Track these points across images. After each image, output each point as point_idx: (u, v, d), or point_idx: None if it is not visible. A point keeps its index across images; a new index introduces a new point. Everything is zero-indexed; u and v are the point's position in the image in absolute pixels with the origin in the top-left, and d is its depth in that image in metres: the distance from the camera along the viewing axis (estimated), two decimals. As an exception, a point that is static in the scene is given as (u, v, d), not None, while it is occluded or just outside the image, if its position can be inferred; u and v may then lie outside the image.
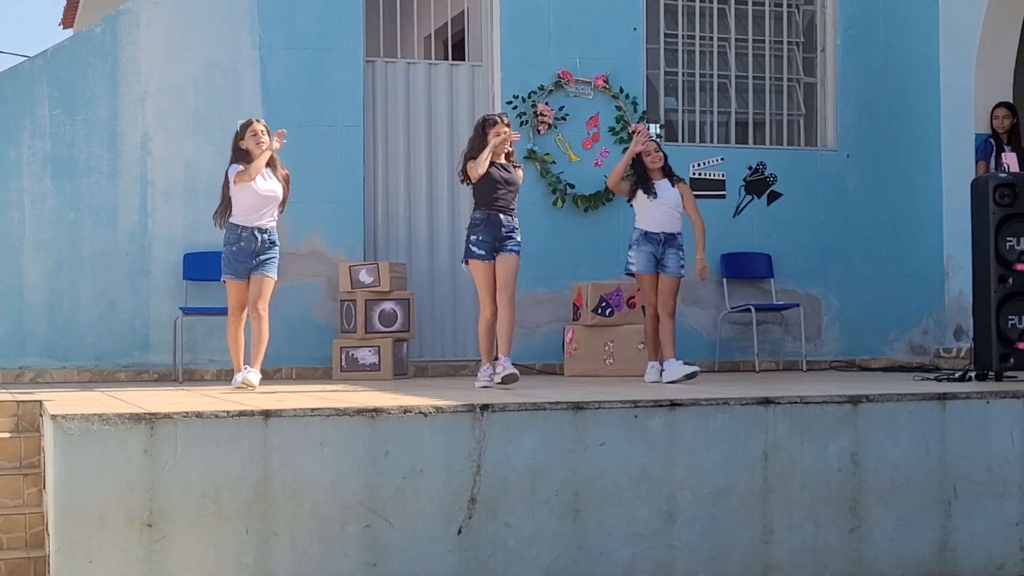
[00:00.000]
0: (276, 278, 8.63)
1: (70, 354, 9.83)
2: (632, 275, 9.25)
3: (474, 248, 8.58)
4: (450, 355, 10.58)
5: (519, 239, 8.69)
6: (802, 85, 11.74)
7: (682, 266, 9.20)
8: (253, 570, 6.01)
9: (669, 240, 9.18)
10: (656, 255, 9.16)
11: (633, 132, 9.30)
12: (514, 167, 8.77)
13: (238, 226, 8.54)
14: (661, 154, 9.29)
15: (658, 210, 9.20)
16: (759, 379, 9.58)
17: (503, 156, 8.71)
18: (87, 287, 9.88)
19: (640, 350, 9.91)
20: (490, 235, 8.59)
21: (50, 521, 6.05)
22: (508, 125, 8.74)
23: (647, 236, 9.20)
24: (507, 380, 8.20)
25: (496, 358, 8.45)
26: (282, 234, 10.17)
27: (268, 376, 10.04)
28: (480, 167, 8.50)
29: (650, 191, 9.18)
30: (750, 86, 11.59)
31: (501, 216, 8.61)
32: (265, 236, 8.57)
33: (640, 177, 9.28)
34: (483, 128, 8.71)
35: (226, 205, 8.62)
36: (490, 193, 8.59)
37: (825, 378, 9.59)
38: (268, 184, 8.56)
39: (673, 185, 9.26)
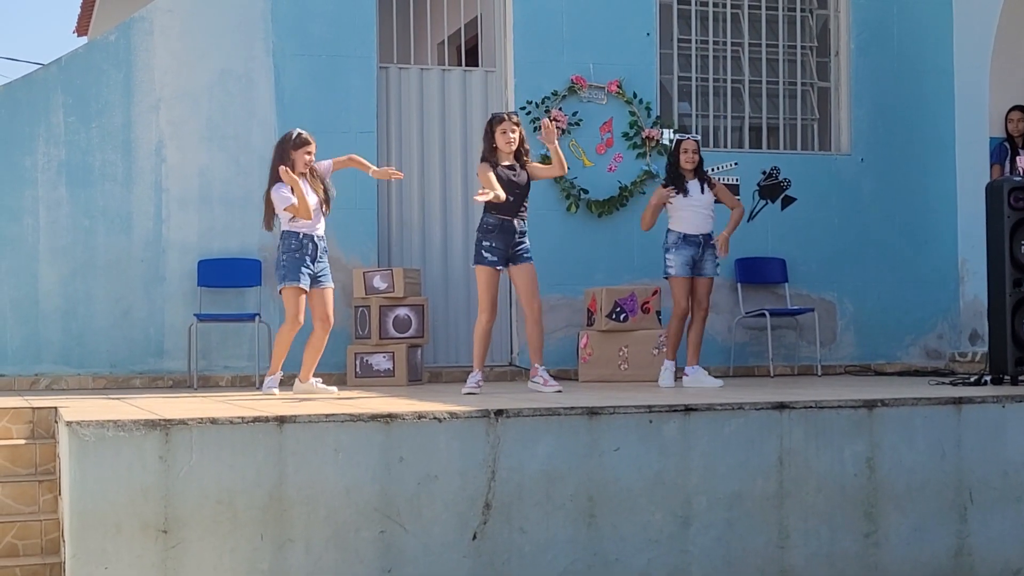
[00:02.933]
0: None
1: (85, 361, 9.86)
2: (667, 277, 9.29)
3: (486, 254, 8.55)
4: (464, 361, 10.56)
5: (528, 244, 8.69)
6: (816, 89, 11.73)
7: (717, 265, 9.30)
8: (268, 576, 6.02)
9: (707, 241, 9.25)
10: (695, 258, 9.21)
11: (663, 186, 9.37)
12: (522, 167, 8.68)
13: (298, 233, 8.57)
14: (698, 156, 9.32)
15: (693, 211, 9.23)
16: (774, 384, 9.56)
17: (512, 156, 8.66)
18: (102, 294, 9.91)
19: (655, 355, 9.90)
20: (503, 242, 8.57)
21: (66, 527, 6.06)
22: (518, 124, 8.68)
23: (686, 239, 9.23)
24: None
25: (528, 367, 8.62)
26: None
27: (282, 382, 10.05)
28: (489, 185, 8.52)
29: (682, 188, 9.20)
30: (764, 91, 11.58)
31: (515, 222, 8.60)
32: (321, 244, 8.69)
33: (675, 177, 9.30)
34: (490, 127, 8.68)
35: (271, 212, 8.67)
36: (504, 199, 8.57)
37: (840, 383, 9.57)
38: (313, 197, 8.66)
39: (703, 190, 9.27)
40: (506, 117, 8.66)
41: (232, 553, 5.97)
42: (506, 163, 8.62)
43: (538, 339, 8.65)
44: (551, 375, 8.70)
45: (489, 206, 8.57)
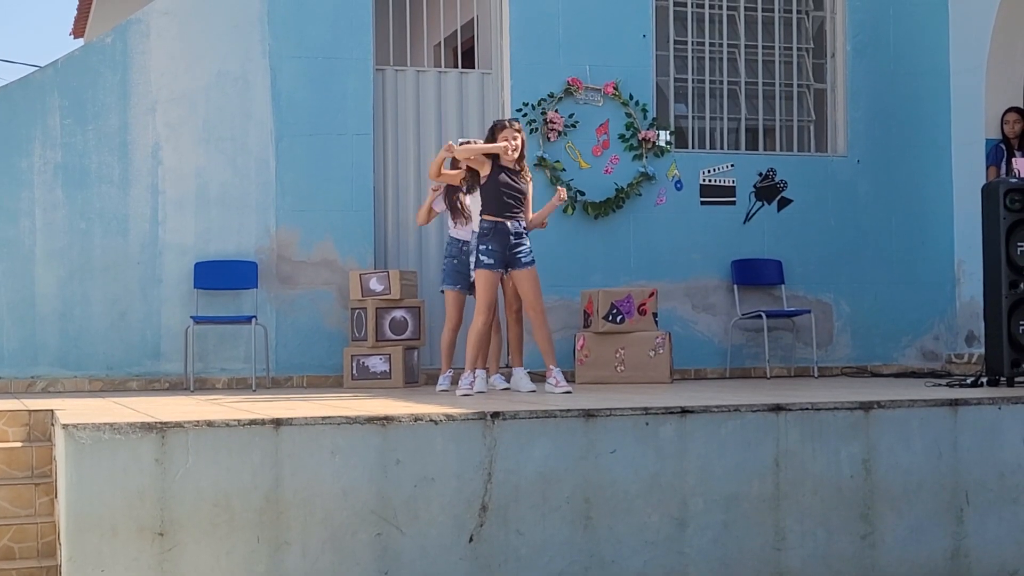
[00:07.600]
0: None
1: (82, 363, 9.85)
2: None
3: (484, 258, 8.57)
4: (460, 363, 10.51)
5: (529, 246, 8.69)
6: (812, 91, 11.74)
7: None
8: (265, 579, 6.01)
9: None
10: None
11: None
12: (525, 179, 8.74)
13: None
14: None
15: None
16: (770, 386, 9.57)
17: (513, 163, 8.68)
18: (98, 296, 9.90)
19: (652, 357, 9.91)
20: (499, 244, 8.58)
21: (62, 530, 6.06)
22: (520, 131, 8.72)
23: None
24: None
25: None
26: (292, 243, 10.23)
27: (279, 384, 10.07)
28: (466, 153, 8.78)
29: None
30: (760, 92, 11.58)
31: (508, 224, 8.61)
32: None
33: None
34: (492, 132, 8.73)
35: None
36: (498, 200, 8.58)
37: (836, 384, 9.57)
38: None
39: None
40: (508, 124, 8.70)
41: (228, 555, 5.97)
42: (507, 167, 8.64)
43: (546, 342, 8.68)
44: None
45: (485, 209, 8.63)
